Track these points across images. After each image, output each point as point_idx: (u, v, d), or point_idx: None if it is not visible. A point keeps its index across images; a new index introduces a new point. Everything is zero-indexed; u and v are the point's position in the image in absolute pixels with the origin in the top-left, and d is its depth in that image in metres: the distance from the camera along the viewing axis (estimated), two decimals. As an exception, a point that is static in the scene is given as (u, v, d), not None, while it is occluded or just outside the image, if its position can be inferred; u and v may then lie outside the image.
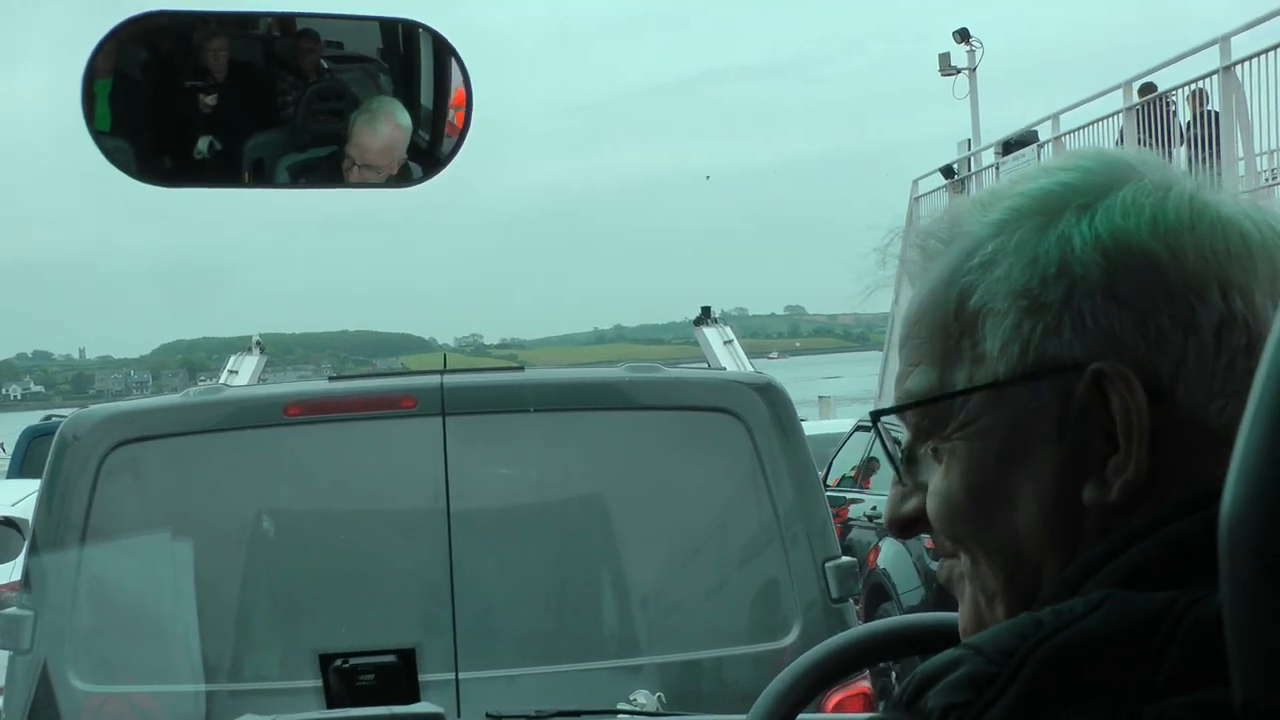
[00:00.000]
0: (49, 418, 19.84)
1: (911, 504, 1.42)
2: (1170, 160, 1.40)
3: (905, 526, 1.43)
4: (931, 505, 1.38)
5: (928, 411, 1.37)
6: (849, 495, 14.25)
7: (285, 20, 3.17)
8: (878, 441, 1.48)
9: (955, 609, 2.38)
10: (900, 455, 1.42)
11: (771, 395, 5.44)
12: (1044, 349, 1.29)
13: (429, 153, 3.12)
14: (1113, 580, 1.22)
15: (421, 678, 3.43)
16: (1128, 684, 1.14)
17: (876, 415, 1.46)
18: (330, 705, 3.36)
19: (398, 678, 3.34)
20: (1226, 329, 1.28)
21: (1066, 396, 1.29)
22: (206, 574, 5.21)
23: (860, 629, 2.26)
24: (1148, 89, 20.55)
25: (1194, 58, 19.01)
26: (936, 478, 1.37)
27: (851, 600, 5.42)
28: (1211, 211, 1.32)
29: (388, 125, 3.04)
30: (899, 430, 1.44)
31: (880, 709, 1.26)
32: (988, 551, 1.36)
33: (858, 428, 16.47)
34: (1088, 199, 1.32)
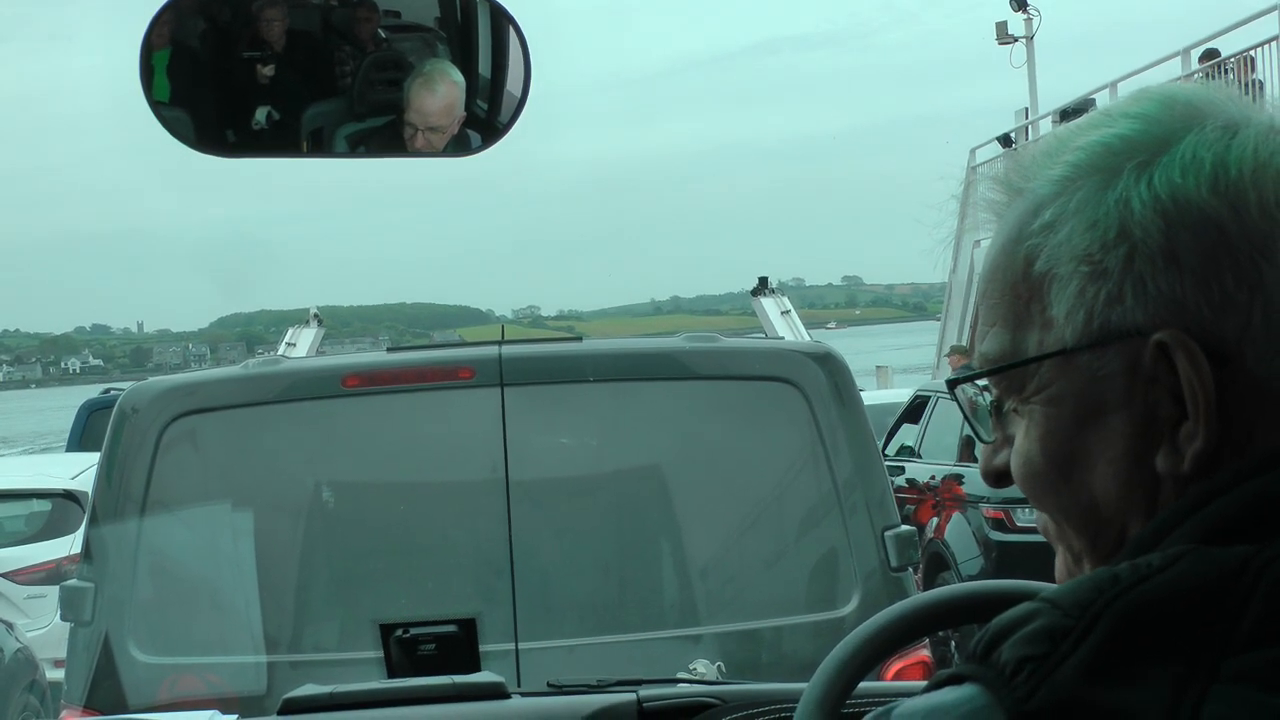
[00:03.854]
0: (108, 391, 19.94)
1: (1003, 456, 1.40)
2: None
3: (1000, 477, 1.41)
4: (1014, 465, 1.38)
5: (1004, 375, 1.36)
6: (959, 471, 14.05)
7: (342, -11, 3.17)
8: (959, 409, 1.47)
9: (1016, 577, 2.37)
10: (989, 408, 1.41)
11: (830, 364, 5.42)
12: (1108, 317, 1.28)
13: (487, 121, 3.11)
14: (1191, 536, 1.21)
15: (481, 648, 3.43)
16: (1205, 639, 1.12)
17: (953, 383, 1.44)
18: (391, 675, 3.38)
19: (458, 647, 3.35)
20: None
21: (1134, 364, 1.27)
22: (266, 545, 5.23)
23: (921, 597, 2.25)
24: (1210, 55, 20.36)
25: (1253, 24, 18.85)
26: (1018, 438, 1.37)
27: (911, 569, 5.41)
28: None
29: (444, 84, 3.04)
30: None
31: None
32: (1067, 515, 1.35)
33: (916, 397, 16.41)
34: (1147, 155, 1.29)
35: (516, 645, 4.99)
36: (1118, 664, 1.13)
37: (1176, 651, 1.12)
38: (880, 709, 1.26)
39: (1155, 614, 1.14)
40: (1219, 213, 1.25)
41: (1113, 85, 22.95)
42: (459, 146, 3.08)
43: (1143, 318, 1.26)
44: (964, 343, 27.12)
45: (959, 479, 13.85)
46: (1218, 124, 1.30)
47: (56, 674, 8.05)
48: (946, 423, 14.66)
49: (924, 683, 1.24)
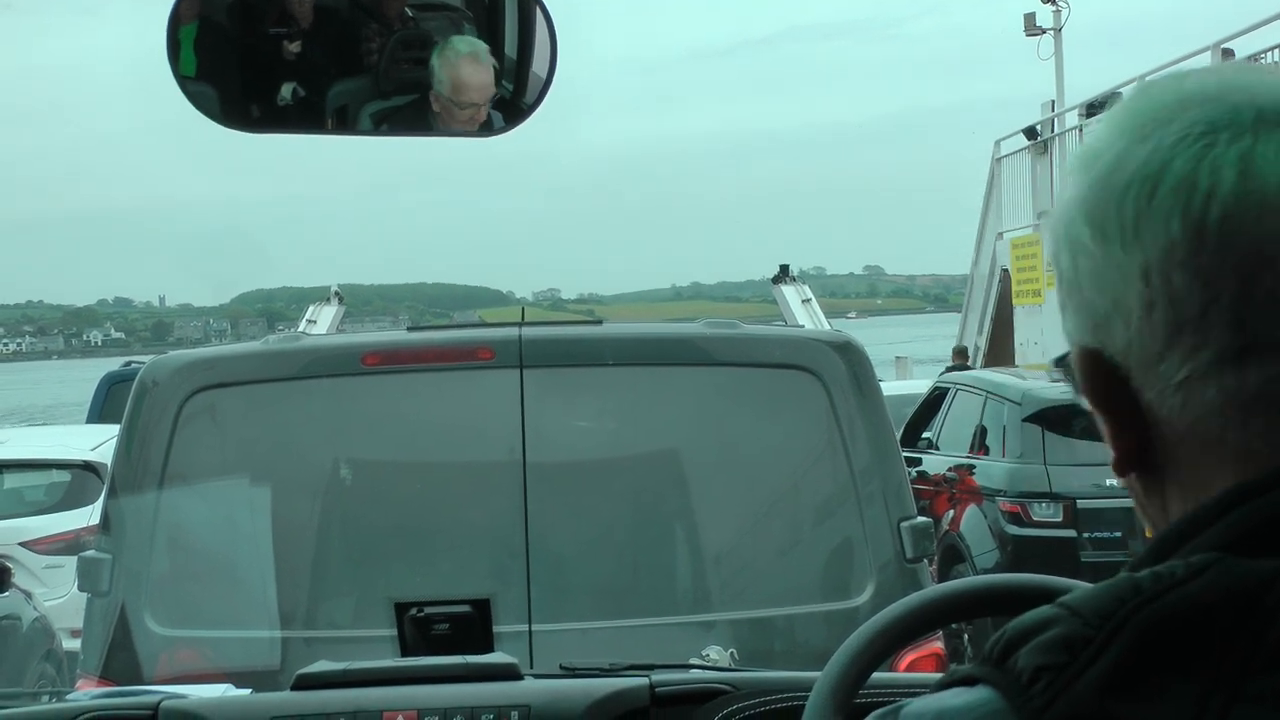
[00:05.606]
0: (129, 364, 20.00)
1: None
2: None
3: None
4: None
5: None
6: (972, 462, 14.03)
7: (370, -33, 3.16)
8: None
9: (1030, 571, 2.36)
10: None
11: (850, 353, 5.41)
12: None
13: (512, 102, 3.11)
14: (1216, 543, 1.17)
15: (495, 629, 3.43)
16: (1229, 657, 1.10)
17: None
18: (404, 654, 3.38)
19: (472, 628, 3.35)
20: None
21: None
22: (283, 521, 5.24)
23: (937, 589, 2.24)
24: (1225, 55, 20.27)
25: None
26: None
27: (926, 561, 5.40)
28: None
29: (486, 59, 3.04)
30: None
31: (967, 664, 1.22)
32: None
33: (934, 389, 16.40)
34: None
35: (530, 627, 4.99)
36: (1137, 679, 1.10)
37: (1198, 669, 1.10)
38: (888, 708, 1.24)
39: (1177, 628, 1.11)
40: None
41: (1141, 79, 22.79)
42: (483, 127, 3.08)
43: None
44: (983, 336, 27.10)
45: (971, 470, 13.85)
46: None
47: (73, 643, 8.08)
48: (964, 415, 14.65)
49: (938, 675, 1.23)
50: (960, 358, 26.15)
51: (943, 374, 22.35)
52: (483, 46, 3.07)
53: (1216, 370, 1.20)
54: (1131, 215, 1.22)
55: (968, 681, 1.19)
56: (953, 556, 13.57)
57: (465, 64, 3.03)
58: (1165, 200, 1.21)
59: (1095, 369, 1.26)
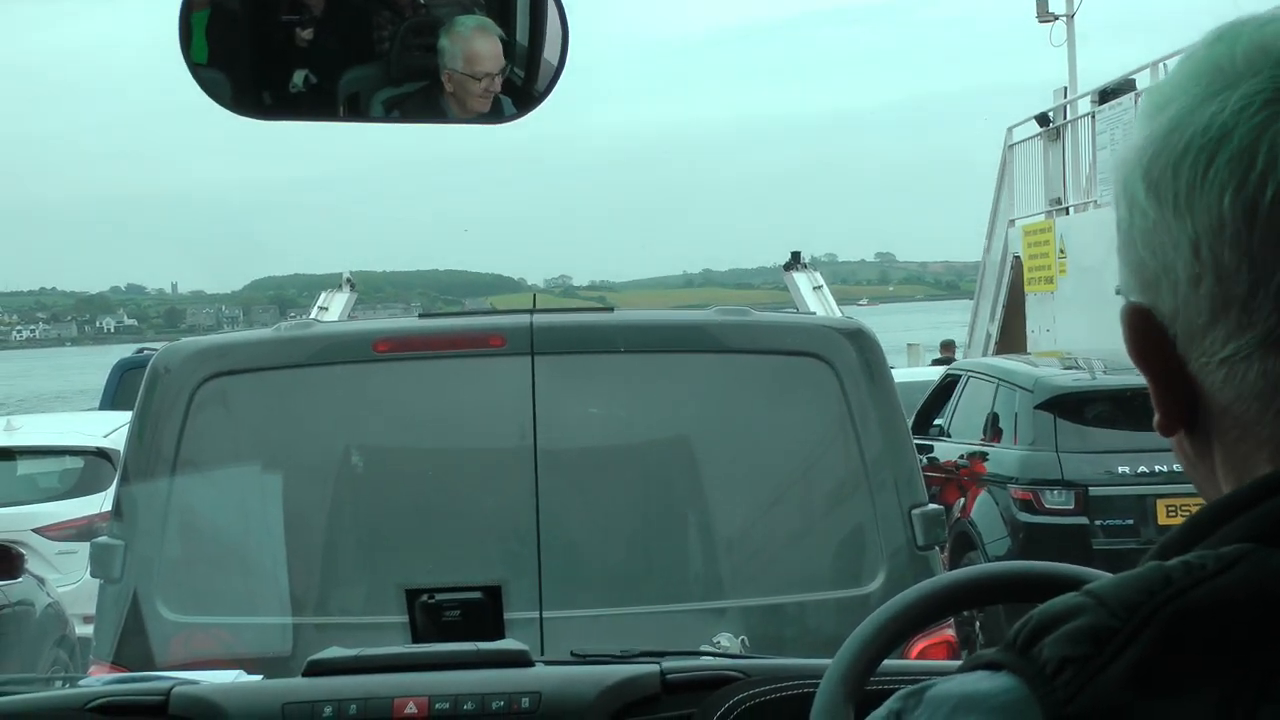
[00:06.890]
0: (141, 350, 20.05)
1: None
2: None
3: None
4: None
5: None
6: (984, 450, 13.98)
7: (381, -46, 3.15)
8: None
9: (1042, 559, 2.36)
10: None
11: (861, 340, 5.41)
12: None
13: (523, 89, 3.10)
14: (1248, 533, 1.14)
15: (506, 615, 3.44)
16: (1258, 653, 1.07)
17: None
18: (416, 640, 3.38)
19: (484, 614, 3.35)
20: None
21: None
22: (294, 508, 5.25)
23: (948, 576, 2.24)
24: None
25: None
26: None
27: (937, 548, 5.40)
28: None
29: (495, 28, 3.03)
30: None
31: (988, 649, 1.21)
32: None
33: (946, 376, 16.38)
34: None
35: (541, 614, 5.00)
36: (1163, 674, 1.08)
37: (1226, 665, 1.08)
38: (913, 687, 1.21)
39: (1205, 622, 1.09)
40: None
41: (1154, 65, 22.67)
42: (493, 114, 3.07)
43: None
44: (995, 323, 27.10)
45: (982, 457, 13.82)
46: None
47: (86, 629, 8.11)
48: (976, 402, 14.63)
49: (949, 662, 1.22)
50: (947, 350, 26.21)
51: (932, 364, 22.30)
52: (488, 20, 3.06)
53: (1261, 353, 1.18)
54: (1186, 183, 1.19)
55: (992, 666, 1.17)
56: (964, 544, 13.55)
57: (476, 35, 3.02)
58: (1221, 173, 1.17)
59: (1143, 327, 1.24)
